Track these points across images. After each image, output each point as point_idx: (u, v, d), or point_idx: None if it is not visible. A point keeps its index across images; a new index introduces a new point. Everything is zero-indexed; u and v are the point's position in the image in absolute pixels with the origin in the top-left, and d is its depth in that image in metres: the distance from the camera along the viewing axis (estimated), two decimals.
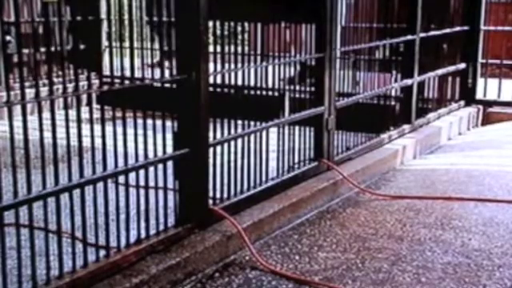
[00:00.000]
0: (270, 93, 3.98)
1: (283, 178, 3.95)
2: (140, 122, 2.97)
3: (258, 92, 3.81)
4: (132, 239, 2.94)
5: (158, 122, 3.03)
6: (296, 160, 4.12)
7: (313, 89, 4.25)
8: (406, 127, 5.44)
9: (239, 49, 3.73)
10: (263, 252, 3.36)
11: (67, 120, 2.57)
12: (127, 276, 2.76)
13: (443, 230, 3.73)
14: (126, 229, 2.89)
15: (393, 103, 5.39)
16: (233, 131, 3.51)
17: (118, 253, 2.83)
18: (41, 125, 2.49)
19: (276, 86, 3.98)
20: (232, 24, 3.58)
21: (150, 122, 2.99)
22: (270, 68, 3.81)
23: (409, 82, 5.41)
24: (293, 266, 3.23)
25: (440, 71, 6.00)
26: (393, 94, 5.37)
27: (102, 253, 2.80)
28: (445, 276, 3.12)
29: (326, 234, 3.64)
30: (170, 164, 3.15)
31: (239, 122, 3.58)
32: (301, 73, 4.21)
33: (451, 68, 6.24)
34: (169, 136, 3.11)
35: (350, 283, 3.05)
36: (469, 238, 3.61)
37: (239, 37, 3.75)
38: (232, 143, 3.52)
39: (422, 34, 5.47)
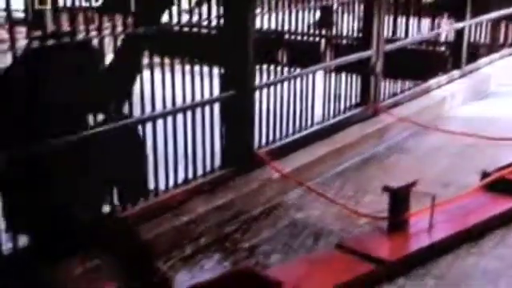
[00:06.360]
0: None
1: (328, 122, 3.94)
2: (188, 68, 3.00)
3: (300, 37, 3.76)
4: (180, 180, 3.01)
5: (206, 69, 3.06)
6: (342, 105, 4.10)
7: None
8: (456, 73, 5.31)
9: None
10: (307, 196, 3.39)
11: None
12: (176, 215, 2.84)
13: None
14: (174, 170, 2.96)
15: (443, 49, 5.26)
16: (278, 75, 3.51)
17: (166, 192, 2.91)
18: None
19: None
20: None
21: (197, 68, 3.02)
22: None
23: (460, 25, 5.25)
24: (338, 209, 3.25)
25: (493, 14, 5.78)
26: (443, 38, 5.23)
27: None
28: None
29: (370, 179, 3.65)
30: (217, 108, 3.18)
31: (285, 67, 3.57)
32: (323, 17, 4.11)
33: (505, 11, 5.99)
34: (216, 81, 3.13)
35: None
36: None
37: None
38: (278, 87, 3.53)
39: None
